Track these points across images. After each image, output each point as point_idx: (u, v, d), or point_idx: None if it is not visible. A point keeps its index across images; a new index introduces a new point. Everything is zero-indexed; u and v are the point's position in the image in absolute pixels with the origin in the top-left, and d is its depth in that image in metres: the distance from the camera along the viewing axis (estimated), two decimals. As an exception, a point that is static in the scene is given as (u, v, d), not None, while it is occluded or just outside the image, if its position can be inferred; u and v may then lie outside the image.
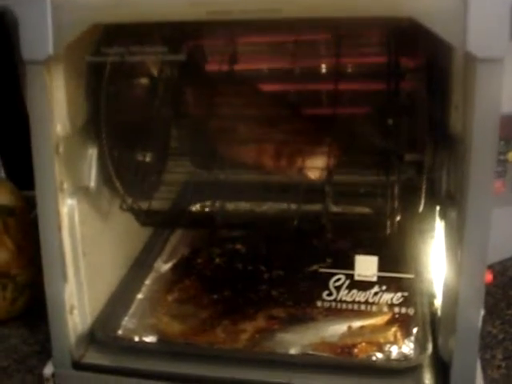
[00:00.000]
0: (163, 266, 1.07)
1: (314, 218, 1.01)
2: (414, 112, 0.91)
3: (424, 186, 0.83)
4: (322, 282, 0.97)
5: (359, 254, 1.05)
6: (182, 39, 1.05)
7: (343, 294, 0.77)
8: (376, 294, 0.76)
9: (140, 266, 1.05)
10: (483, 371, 0.83)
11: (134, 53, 0.77)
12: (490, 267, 0.76)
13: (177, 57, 0.81)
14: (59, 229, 0.83)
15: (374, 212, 1.09)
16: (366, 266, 0.75)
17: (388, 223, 0.89)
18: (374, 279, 0.76)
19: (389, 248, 1.04)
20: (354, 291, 0.76)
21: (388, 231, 0.92)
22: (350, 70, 1.06)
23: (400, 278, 0.79)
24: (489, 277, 0.77)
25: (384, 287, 0.76)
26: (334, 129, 0.95)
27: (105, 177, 0.92)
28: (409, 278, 0.81)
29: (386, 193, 0.99)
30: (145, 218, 0.97)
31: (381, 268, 0.78)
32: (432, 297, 0.87)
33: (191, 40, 1.07)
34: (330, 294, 0.77)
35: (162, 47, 0.78)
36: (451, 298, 0.75)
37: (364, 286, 0.77)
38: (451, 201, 0.76)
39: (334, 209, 0.99)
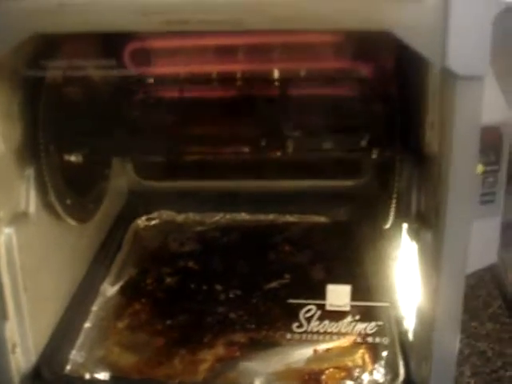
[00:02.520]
0: (110, 289, 0.99)
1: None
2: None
3: (393, 204, 0.79)
4: (282, 301, 0.94)
5: (317, 268, 1.02)
6: (123, 41, 0.98)
7: (314, 325, 0.72)
8: (349, 323, 0.72)
9: (85, 290, 0.96)
10: (453, 390, 0.81)
11: (78, 67, 0.69)
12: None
13: (126, 71, 0.73)
14: (-4, 262, 0.74)
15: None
16: (338, 295, 0.71)
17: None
18: (347, 309, 0.71)
19: (348, 261, 1.01)
20: (326, 322, 0.72)
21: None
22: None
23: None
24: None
25: (357, 317, 0.72)
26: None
27: (44, 199, 0.83)
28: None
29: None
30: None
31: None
32: (399, 319, 0.83)
33: (133, 42, 0.99)
34: (300, 326, 0.72)
35: (108, 60, 0.70)
36: (426, 322, 0.72)
37: (336, 315, 0.73)
38: (423, 222, 0.73)
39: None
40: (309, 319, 0.72)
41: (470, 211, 0.66)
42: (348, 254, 1.02)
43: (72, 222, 0.89)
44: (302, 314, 0.71)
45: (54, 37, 0.76)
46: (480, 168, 0.84)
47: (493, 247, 0.89)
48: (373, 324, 0.72)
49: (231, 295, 0.96)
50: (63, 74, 0.70)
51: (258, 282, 0.99)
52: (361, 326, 0.72)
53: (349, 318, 0.72)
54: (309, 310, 0.71)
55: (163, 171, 1.17)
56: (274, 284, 0.98)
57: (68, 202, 0.86)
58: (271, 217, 1.16)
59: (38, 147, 0.80)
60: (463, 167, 0.64)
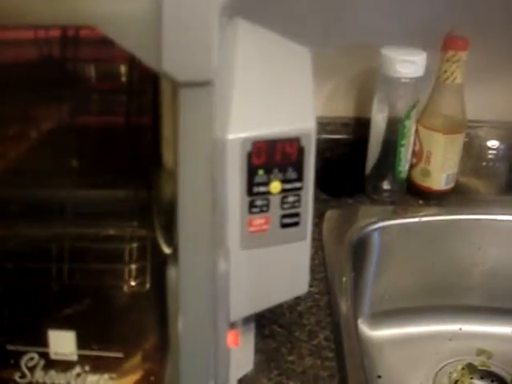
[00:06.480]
0: None
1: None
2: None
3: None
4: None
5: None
6: None
7: (39, 375, 0.59)
8: (79, 375, 0.59)
9: None
10: None
11: None
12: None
13: None
14: None
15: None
16: (63, 342, 0.58)
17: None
18: (74, 358, 0.59)
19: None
20: (53, 372, 0.59)
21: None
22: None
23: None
24: (235, 340, 0.64)
25: (87, 367, 0.59)
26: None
27: None
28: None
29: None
30: None
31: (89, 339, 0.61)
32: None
33: None
34: (22, 376, 0.59)
35: None
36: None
37: (65, 365, 0.60)
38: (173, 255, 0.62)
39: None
40: (32, 369, 0.59)
41: (207, 242, 0.56)
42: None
43: None
44: (23, 363, 0.59)
45: None
46: (276, 186, 0.72)
47: (304, 273, 0.78)
48: (105, 376, 0.60)
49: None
50: None
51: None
52: (92, 379, 0.59)
53: (77, 369, 0.59)
54: (31, 359, 0.58)
55: None
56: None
57: None
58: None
59: None
60: (195, 187, 0.54)
